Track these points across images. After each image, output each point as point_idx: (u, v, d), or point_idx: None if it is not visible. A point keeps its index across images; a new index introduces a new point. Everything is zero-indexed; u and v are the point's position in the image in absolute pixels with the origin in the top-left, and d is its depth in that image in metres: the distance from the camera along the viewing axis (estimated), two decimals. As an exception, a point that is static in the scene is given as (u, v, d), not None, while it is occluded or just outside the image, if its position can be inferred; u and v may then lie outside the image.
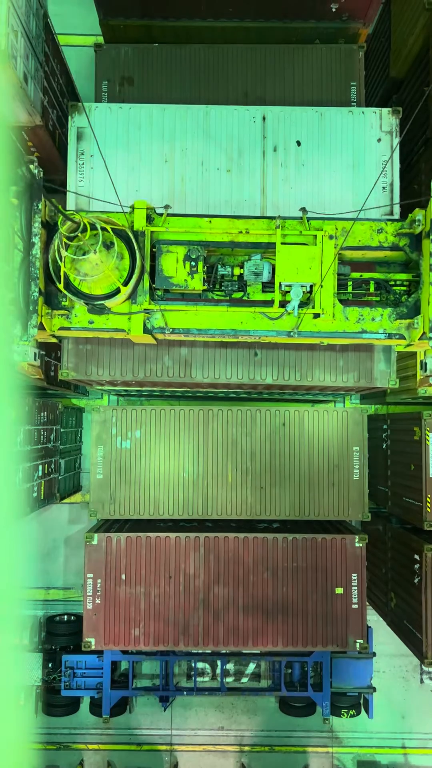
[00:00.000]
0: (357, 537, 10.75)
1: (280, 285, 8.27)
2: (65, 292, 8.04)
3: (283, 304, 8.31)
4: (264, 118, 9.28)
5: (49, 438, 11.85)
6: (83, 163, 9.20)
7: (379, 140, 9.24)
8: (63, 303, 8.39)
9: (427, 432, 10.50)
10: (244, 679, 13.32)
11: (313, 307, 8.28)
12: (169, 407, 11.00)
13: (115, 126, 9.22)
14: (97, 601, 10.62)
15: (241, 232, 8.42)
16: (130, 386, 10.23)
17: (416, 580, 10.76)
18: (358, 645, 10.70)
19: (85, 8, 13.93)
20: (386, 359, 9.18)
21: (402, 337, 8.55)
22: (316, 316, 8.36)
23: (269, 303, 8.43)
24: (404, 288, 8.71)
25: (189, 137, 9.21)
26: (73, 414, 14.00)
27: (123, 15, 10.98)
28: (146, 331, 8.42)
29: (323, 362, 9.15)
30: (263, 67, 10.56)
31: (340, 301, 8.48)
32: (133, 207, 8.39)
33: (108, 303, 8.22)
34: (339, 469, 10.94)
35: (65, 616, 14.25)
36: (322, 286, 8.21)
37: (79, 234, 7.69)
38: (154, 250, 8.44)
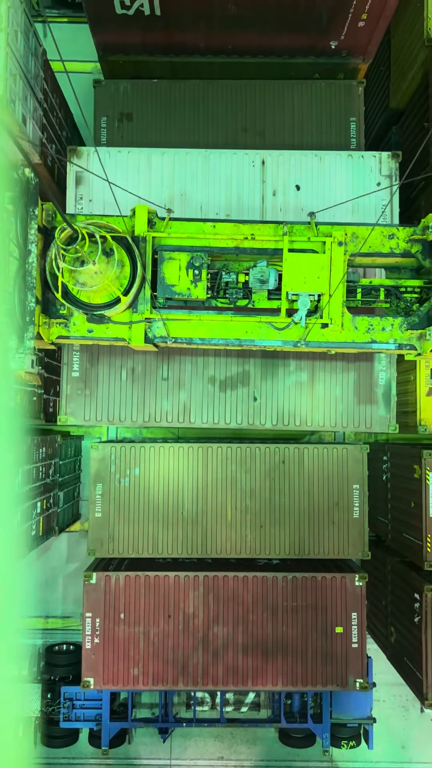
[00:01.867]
0: (357, 576, 10.71)
1: (287, 294, 7.99)
2: (63, 301, 7.75)
3: (289, 313, 8.02)
4: (263, 162, 9.27)
5: (48, 473, 11.81)
6: (82, 208, 9.17)
7: (378, 184, 9.21)
8: (61, 311, 8.12)
9: (427, 472, 10.46)
10: (244, 708, 13.29)
11: (321, 317, 8.00)
12: (168, 444, 10.96)
13: (114, 170, 9.19)
14: (96, 640, 10.57)
15: (246, 238, 8.11)
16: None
17: (416, 620, 10.72)
18: (358, 684, 10.66)
19: (84, 34, 13.94)
20: (386, 405, 9.16)
21: (413, 347, 8.29)
22: (324, 326, 8.10)
23: (275, 311, 8.15)
24: (415, 295, 8.46)
25: (188, 181, 9.18)
26: (72, 444, 13.96)
27: (122, 52, 10.96)
28: (147, 340, 8.15)
29: (322, 407, 9.12)
30: (262, 103, 10.55)
31: (349, 309, 8.20)
32: (134, 211, 8.14)
33: (108, 312, 7.94)
34: (339, 506, 10.90)
35: (64, 645, 14.21)
36: (331, 296, 7.90)
37: (77, 246, 7.34)
38: (155, 256, 8.17)
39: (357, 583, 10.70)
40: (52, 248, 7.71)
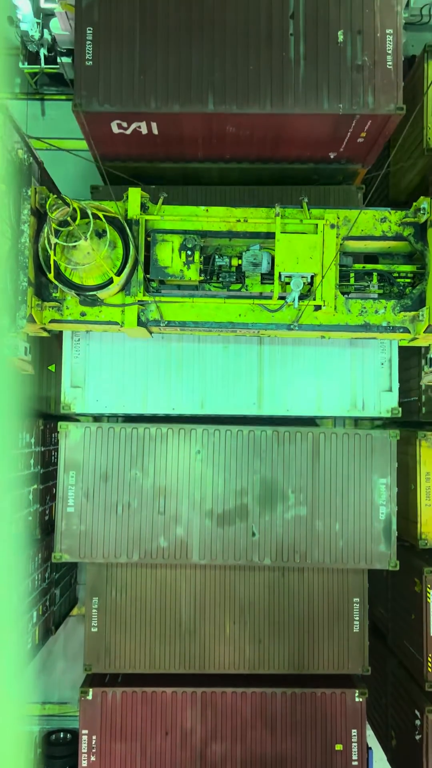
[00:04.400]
0: (357, 691, 10.57)
1: (280, 276, 7.96)
2: (56, 282, 7.66)
3: (282, 296, 8.01)
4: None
5: (44, 577, 11.68)
6: (79, 339, 9.07)
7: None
8: (54, 294, 8.06)
9: (428, 589, 10.33)
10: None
11: (314, 299, 7.97)
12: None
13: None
14: (92, 758, 10.43)
15: (239, 221, 8.13)
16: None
17: (417, 737, 10.57)
18: (357, 803, 10.50)
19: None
20: (386, 541, 9.04)
21: (406, 330, 8.27)
22: (317, 308, 8.08)
23: (268, 296, 8.14)
24: (408, 280, 8.44)
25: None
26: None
27: (120, 160, 10.88)
28: (140, 323, 8.09)
29: (322, 543, 9.00)
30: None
31: (342, 293, 8.19)
32: (126, 195, 8.09)
33: (101, 294, 7.87)
34: (338, 620, 10.76)
35: (61, 734, 14.07)
36: (323, 277, 7.88)
37: (69, 219, 7.29)
38: (148, 239, 8.12)
39: (357, 699, 10.57)
40: (45, 226, 7.65)
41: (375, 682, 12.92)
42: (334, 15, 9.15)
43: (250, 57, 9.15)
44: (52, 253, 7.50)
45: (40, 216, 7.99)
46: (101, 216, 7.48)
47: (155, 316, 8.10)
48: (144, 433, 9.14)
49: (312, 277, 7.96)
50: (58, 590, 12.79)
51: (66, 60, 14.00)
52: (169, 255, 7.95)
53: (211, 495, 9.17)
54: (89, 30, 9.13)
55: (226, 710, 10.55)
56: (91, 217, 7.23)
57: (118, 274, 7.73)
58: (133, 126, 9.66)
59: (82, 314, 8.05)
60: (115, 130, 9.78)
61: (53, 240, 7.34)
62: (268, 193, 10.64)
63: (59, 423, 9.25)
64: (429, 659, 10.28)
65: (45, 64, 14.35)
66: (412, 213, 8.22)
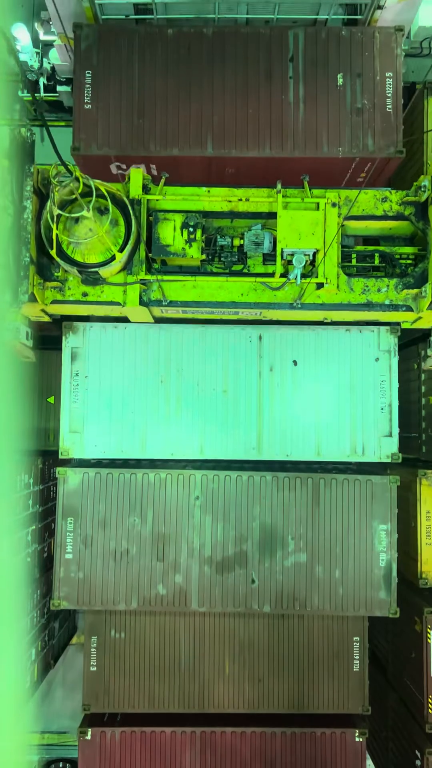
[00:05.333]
0: (357, 731, 10.50)
1: (282, 253, 7.93)
2: (58, 259, 7.59)
3: (284, 276, 8.02)
4: (260, 338, 9.13)
5: (43, 613, 11.64)
6: (77, 384, 9.04)
7: (377, 359, 9.07)
8: (56, 274, 8.03)
9: (428, 630, 10.27)
10: None
11: (316, 277, 7.95)
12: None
13: (110, 346, 9.06)
14: (91, 799, 10.37)
15: (240, 200, 8.14)
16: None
17: (417, 777, 10.51)
18: None
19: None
20: (386, 588, 8.99)
21: (409, 308, 8.25)
22: (320, 286, 8.07)
23: (270, 275, 8.14)
24: (409, 262, 8.45)
25: (185, 357, 9.05)
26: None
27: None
28: (142, 303, 8.04)
29: (322, 590, 8.95)
30: None
31: (344, 273, 8.21)
32: (128, 176, 8.09)
33: (102, 272, 7.81)
34: (338, 659, 10.70)
35: (60, 763, 14.00)
36: (325, 254, 7.87)
37: (72, 187, 7.24)
38: (150, 218, 8.10)
39: (357, 739, 10.50)
40: (48, 201, 7.59)
41: (375, 713, 12.84)
42: (334, 58, 9.13)
43: (250, 100, 9.13)
44: (54, 226, 7.42)
45: (41, 196, 7.97)
46: (104, 191, 7.42)
47: (157, 296, 8.05)
48: (143, 479, 9.10)
49: (314, 254, 7.95)
50: (57, 622, 12.75)
51: (66, 89, 13.99)
52: (171, 233, 7.91)
53: (211, 541, 9.12)
54: (88, 73, 9.10)
55: (225, 750, 10.49)
56: (93, 189, 7.15)
57: (120, 250, 7.67)
58: (132, 167, 9.64)
59: (84, 294, 8.02)
60: (114, 171, 9.76)
61: (56, 211, 7.27)
62: None
63: (58, 469, 9.21)
64: (429, 700, 10.22)
65: (44, 92, 14.31)
66: (412, 192, 8.25)
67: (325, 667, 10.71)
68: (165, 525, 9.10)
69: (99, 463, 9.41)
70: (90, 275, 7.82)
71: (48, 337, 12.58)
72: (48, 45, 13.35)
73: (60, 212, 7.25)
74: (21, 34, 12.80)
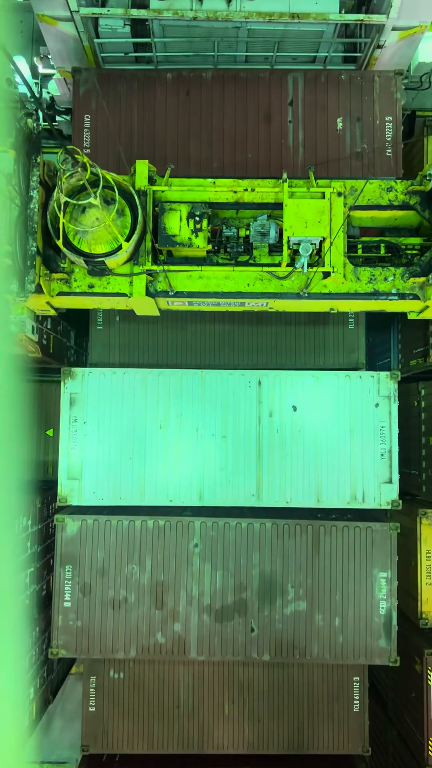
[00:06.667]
0: (357, 771, 10.45)
1: (289, 242, 7.90)
2: (64, 249, 7.58)
3: (291, 265, 7.99)
4: (259, 383, 9.09)
5: (42, 649, 11.56)
6: (76, 430, 8.99)
7: (377, 405, 9.03)
8: (62, 265, 8.02)
9: (429, 671, 10.21)
10: None
11: (323, 266, 7.94)
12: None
13: (109, 391, 9.02)
14: None
15: (246, 190, 8.09)
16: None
17: None
18: None
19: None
20: (387, 636, 8.92)
21: (416, 297, 8.20)
22: (326, 275, 8.04)
23: (276, 266, 8.13)
24: (415, 252, 8.43)
25: (184, 402, 9.01)
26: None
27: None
28: (149, 294, 8.01)
29: (322, 639, 8.89)
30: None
31: (351, 263, 8.19)
32: (134, 168, 8.11)
33: (109, 262, 7.79)
34: (338, 699, 10.64)
35: (59, 794, 13.92)
36: (332, 242, 7.85)
37: (79, 170, 7.16)
38: (156, 210, 8.09)
39: (357, 778, 10.44)
40: (55, 190, 7.55)
41: (376, 749, 12.77)
42: (333, 102, 9.10)
43: (249, 144, 9.10)
44: (60, 215, 7.41)
45: (47, 188, 7.99)
46: (111, 179, 7.41)
47: (164, 287, 8.03)
48: (141, 526, 9.05)
49: (321, 243, 7.95)
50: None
51: (65, 118, 13.98)
52: (177, 223, 7.90)
53: (210, 590, 9.07)
54: (87, 118, 9.08)
55: (225, 791, 10.43)
56: (101, 177, 7.18)
57: (127, 240, 7.68)
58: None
59: (90, 286, 8.01)
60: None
61: (63, 198, 7.26)
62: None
63: (56, 516, 9.16)
64: (430, 742, 10.15)
65: (43, 121, 14.29)
66: (418, 181, 8.21)
67: (325, 708, 10.65)
68: (164, 573, 9.04)
69: (97, 510, 9.36)
70: (96, 266, 7.83)
71: (47, 369, 12.59)
72: (47, 76, 13.35)
73: (68, 199, 7.24)
74: (20, 67, 12.77)
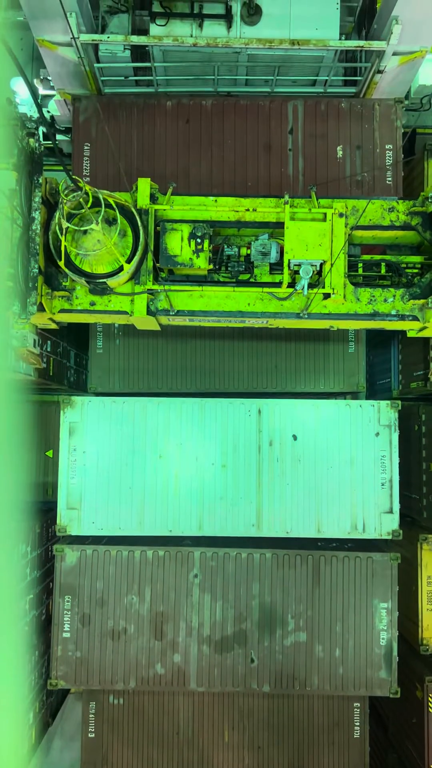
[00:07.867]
0: (358, 801, 10.38)
1: (289, 264, 7.92)
2: (66, 270, 7.61)
3: (292, 285, 8.02)
4: (259, 411, 9.05)
5: (41, 673, 11.51)
6: (75, 460, 8.95)
7: (377, 434, 8.99)
8: (64, 284, 8.05)
9: (429, 698, 10.15)
10: None
11: (323, 287, 7.95)
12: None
13: (108, 420, 8.98)
14: None
15: (248, 210, 8.11)
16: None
17: None
18: None
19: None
20: (387, 667, 8.87)
21: (415, 318, 8.23)
22: (326, 296, 8.07)
23: (277, 285, 8.15)
24: (416, 271, 8.45)
25: (184, 431, 8.97)
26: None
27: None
28: (149, 312, 8.05)
29: (322, 670, 8.84)
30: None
31: (351, 284, 8.21)
32: (136, 185, 8.12)
33: (110, 282, 7.84)
34: (339, 726, 10.58)
35: None
36: (333, 265, 7.89)
37: (81, 201, 7.25)
38: (158, 228, 8.11)
39: (358, 807, 10.37)
40: (57, 212, 7.65)
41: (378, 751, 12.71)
42: (333, 130, 9.08)
43: (249, 173, 9.07)
44: (62, 238, 7.46)
45: (50, 206, 8.02)
46: (112, 202, 7.45)
47: (164, 306, 8.07)
48: (140, 556, 9.00)
49: (321, 266, 7.97)
50: (56, 679, 12.59)
51: (65, 137, 13.97)
52: (178, 244, 7.94)
53: (209, 620, 9.02)
54: (87, 146, 9.06)
55: None
56: (102, 201, 7.20)
57: (128, 261, 7.73)
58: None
59: (92, 303, 8.06)
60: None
61: (65, 224, 7.30)
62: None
63: (55, 546, 9.11)
64: (431, 771, 10.09)
65: (43, 140, 14.28)
66: (419, 202, 8.25)
67: (325, 734, 10.59)
68: (163, 603, 8.99)
69: (97, 539, 9.31)
70: (98, 285, 7.89)
71: (46, 388, 12.56)
72: (47, 96, 13.35)
73: (69, 225, 7.27)
74: (20, 88, 12.78)
